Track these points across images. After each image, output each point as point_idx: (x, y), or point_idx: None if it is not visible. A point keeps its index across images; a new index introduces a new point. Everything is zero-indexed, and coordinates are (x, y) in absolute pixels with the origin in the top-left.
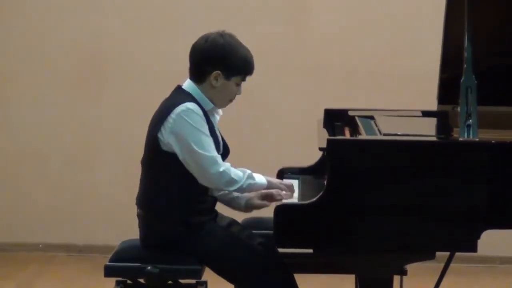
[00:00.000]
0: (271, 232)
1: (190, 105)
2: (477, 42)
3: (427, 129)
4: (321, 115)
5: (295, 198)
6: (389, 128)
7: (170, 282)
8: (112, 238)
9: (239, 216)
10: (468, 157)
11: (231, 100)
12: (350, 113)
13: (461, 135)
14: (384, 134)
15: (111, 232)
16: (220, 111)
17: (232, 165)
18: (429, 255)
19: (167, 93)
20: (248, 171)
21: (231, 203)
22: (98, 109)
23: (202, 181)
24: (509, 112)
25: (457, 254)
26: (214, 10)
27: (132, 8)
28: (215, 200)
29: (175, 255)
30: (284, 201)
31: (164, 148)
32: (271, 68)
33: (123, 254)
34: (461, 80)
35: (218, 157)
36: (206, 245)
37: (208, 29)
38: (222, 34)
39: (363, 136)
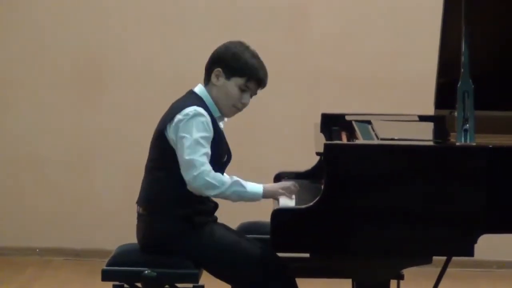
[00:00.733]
0: (268, 236)
1: (199, 108)
2: (474, 47)
3: (424, 134)
4: (318, 120)
5: (292, 202)
6: (386, 132)
7: (167, 286)
8: (109, 242)
9: (238, 220)
10: (465, 162)
11: (234, 106)
12: (347, 117)
13: (458, 140)
14: (381, 139)
15: (108, 236)
16: (225, 118)
17: (226, 172)
18: (426, 260)
19: (166, 97)
20: (236, 178)
21: None
22: (96, 113)
23: (187, 185)
24: (506, 116)
25: (454, 258)
26: (214, 15)
27: (132, 11)
28: (216, 205)
29: (172, 259)
30: (281, 204)
31: (170, 144)
32: (269, 72)
33: (120, 258)
34: (458, 85)
35: (198, 162)
36: (205, 246)
37: (207, 33)
38: (240, 42)
39: (360, 140)
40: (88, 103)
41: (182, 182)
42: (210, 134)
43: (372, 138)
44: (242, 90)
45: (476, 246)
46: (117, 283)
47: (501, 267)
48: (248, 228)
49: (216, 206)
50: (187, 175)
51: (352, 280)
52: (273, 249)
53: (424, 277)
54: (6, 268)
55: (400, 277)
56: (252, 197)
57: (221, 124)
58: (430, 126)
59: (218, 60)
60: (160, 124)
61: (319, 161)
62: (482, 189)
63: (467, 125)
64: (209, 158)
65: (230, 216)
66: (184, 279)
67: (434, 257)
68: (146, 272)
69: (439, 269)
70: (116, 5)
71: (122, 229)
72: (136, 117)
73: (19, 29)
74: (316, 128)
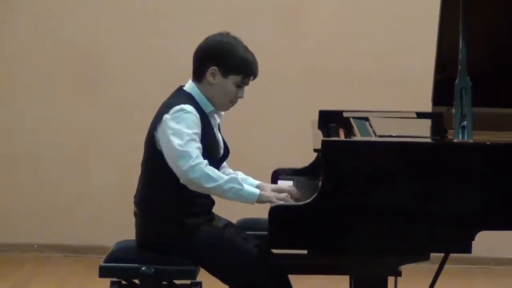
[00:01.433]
0: (265, 233)
1: (186, 106)
2: (472, 44)
3: (421, 131)
4: (316, 117)
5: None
6: (384, 129)
7: (165, 282)
8: (107, 238)
9: (234, 216)
10: (462, 159)
11: (231, 102)
12: (345, 114)
13: (456, 137)
14: (379, 136)
15: (106, 233)
16: (221, 112)
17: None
18: (423, 256)
19: (163, 95)
20: (236, 176)
21: None
22: (93, 110)
23: (179, 176)
24: (503, 113)
25: (451, 255)
26: (210, 13)
27: (129, 10)
28: (212, 202)
29: (170, 256)
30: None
31: (159, 147)
32: (266, 70)
33: (118, 254)
34: (456, 82)
35: (194, 153)
36: (201, 246)
37: (204, 31)
38: (223, 34)
39: (358, 137)
40: (85, 100)
41: (173, 184)
42: (198, 130)
43: (369, 135)
44: (238, 85)
45: (473, 243)
46: (114, 279)
47: (498, 264)
48: (246, 225)
49: (212, 202)
50: (183, 165)
51: (350, 277)
52: (271, 246)
53: (422, 273)
54: (4, 264)
55: (397, 274)
56: (247, 197)
57: (216, 118)
58: (427, 123)
59: (213, 58)
60: (151, 125)
61: (317, 158)
62: (479, 185)
63: (465, 122)
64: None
65: (227, 213)
66: (182, 275)
67: (432, 254)
68: (144, 268)
69: (436, 266)
70: (113, 2)
71: (119, 225)
72: (133, 114)
73: (15, 27)
74: (313, 125)
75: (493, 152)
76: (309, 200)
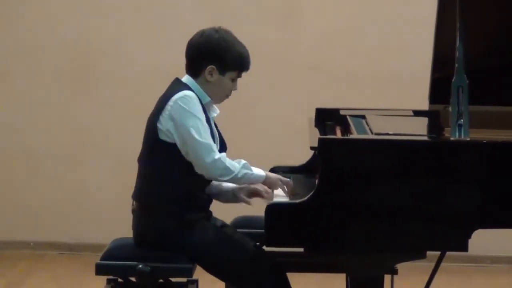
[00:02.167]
0: (262, 231)
1: (188, 92)
2: (469, 42)
3: (418, 129)
4: (312, 114)
5: (286, 197)
6: (381, 127)
7: (161, 280)
8: (103, 236)
9: (231, 214)
10: (459, 157)
11: (227, 96)
12: (342, 112)
13: (453, 135)
14: (376, 134)
15: (102, 230)
16: (217, 109)
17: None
18: (420, 255)
19: (158, 92)
20: (244, 161)
21: (220, 196)
22: (89, 108)
23: (198, 169)
24: (500, 111)
25: (448, 253)
26: (207, 12)
27: (124, 7)
28: (210, 199)
29: (166, 253)
30: (276, 200)
31: (163, 137)
32: (263, 68)
33: (114, 252)
34: (453, 80)
35: (214, 145)
36: (198, 241)
37: (201, 28)
38: (217, 30)
39: (355, 135)
40: (82, 98)
41: (173, 177)
42: (204, 115)
43: (366, 133)
44: (233, 80)
45: (470, 241)
46: (111, 277)
47: (495, 262)
48: (242, 223)
49: (210, 200)
50: (207, 159)
51: (346, 275)
52: (267, 244)
53: (418, 272)
54: None
55: (394, 272)
56: (256, 179)
57: (212, 112)
58: (424, 121)
59: (210, 57)
60: (151, 117)
61: (314, 156)
62: (476, 184)
63: (462, 120)
64: None
65: (223, 211)
66: (178, 273)
67: (428, 252)
68: (140, 266)
69: (433, 264)
70: (110, 2)
71: (116, 223)
72: (129, 111)
73: (12, 24)
74: (310, 122)
75: (490, 150)
76: (305, 198)
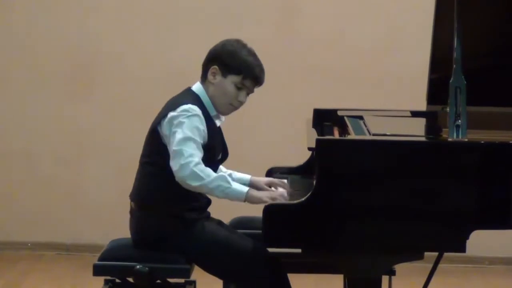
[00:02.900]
0: (260, 231)
1: (193, 106)
2: (467, 42)
3: (416, 130)
4: (310, 115)
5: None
6: (378, 128)
7: (159, 281)
8: (101, 237)
9: (229, 215)
10: (457, 158)
11: (231, 105)
12: (339, 113)
13: (450, 136)
14: (373, 134)
15: (100, 231)
16: (222, 117)
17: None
18: (417, 256)
19: (157, 94)
20: (224, 175)
21: None
22: (86, 109)
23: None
24: (498, 112)
25: (446, 254)
26: (206, 12)
27: (122, 9)
28: (208, 201)
29: (164, 254)
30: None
31: (163, 141)
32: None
33: (112, 253)
34: (450, 81)
35: (187, 152)
36: (197, 241)
37: (198, 31)
38: (237, 40)
39: (352, 136)
40: (79, 99)
41: (172, 178)
42: (202, 132)
43: (364, 134)
44: (239, 88)
45: (468, 242)
46: (108, 277)
47: (492, 263)
48: (240, 223)
49: (208, 202)
50: (174, 164)
51: (344, 276)
52: (265, 244)
53: (416, 273)
54: None
55: (392, 273)
56: (235, 196)
57: (217, 123)
58: (422, 121)
59: (215, 58)
60: (155, 119)
61: (311, 156)
62: (474, 185)
63: (459, 121)
64: (201, 153)
65: (222, 211)
66: (176, 274)
67: (426, 253)
68: (138, 267)
69: (431, 265)
70: (107, 2)
71: (113, 224)
72: (127, 113)
73: (10, 26)
74: (308, 123)
75: (488, 151)
76: (303, 199)
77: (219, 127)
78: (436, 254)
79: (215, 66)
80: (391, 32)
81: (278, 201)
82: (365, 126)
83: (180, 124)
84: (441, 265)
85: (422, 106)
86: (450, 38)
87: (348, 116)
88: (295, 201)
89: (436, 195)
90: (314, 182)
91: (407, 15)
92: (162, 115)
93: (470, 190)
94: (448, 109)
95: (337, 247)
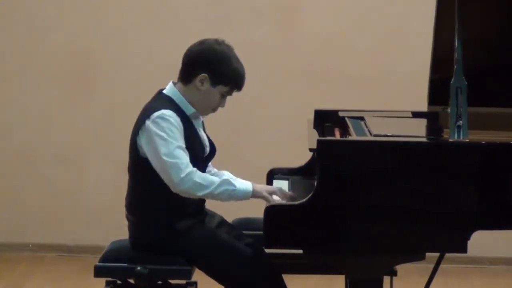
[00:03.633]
0: (261, 232)
1: (166, 111)
2: (468, 43)
3: (417, 130)
4: (311, 116)
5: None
6: (379, 129)
7: (160, 282)
8: (102, 238)
9: (229, 216)
10: (458, 158)
11: (213, 110)
12: (340, 114)
13: (451, 136)
14: (374, 135)
15: (101, 232)
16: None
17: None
18: (419, 256)
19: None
20: (226, 177)
21: None
22: (87, 109)
23: (172, 188)
24: (499, 113)
25: (447, 255)
26: (203, 13)
27: (123, 10)
28: (202, 201)
29: (165, 255)
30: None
31: (142, 154)
32: (261, 70)
33: (113, 254)
34: (451, 81)
35: (183, 164)
36: (194, 247)
37: (197, 31)
38: (219, 42)
39: (353, 137)
40: (79, 100)
41: (160, 188)
42: (181, 134)
43: (365, 135)
44: (223, 95)
45: (469, 242)
46: (109, 279)
47: (494, 263)
48: (241, 225)
49: (202, 201)
50: (174, 178)
51: (345, 277)
52: (266, 245)
53: (417, 273)
54: None
55: (393, 274)
56: (242, 195)
57: (200, 119)
58: (423, 122)
59: (205, 65)
60: (133, 131)
61: (312, 157)
62: (475, 185)
63: (460, 122)
64: (189, 157)
65: (223, 212)
66: (177, 275)
67: (427, 254)
68: (139, 268)
69: (432, 266)
70: (107, 3)
71: (114, 225)
72: (127, 114)
73: (9, 27)
74: (309, 124)
75: (489, 152)
76: (304, 200)
77: (202, 122)
78: (437, 254)
79: (205, 75)
80: (392, 33)
81: (277, 197)
82: (366, 127)
83: (159, 131)
84: (442, 266)
85: (423, 106)
86: (451, 38)
87: (349, 117)
88: (296, 202)
89: (437, 196)
90: (315, 183)
91: (407, 16)
92: (139, 126)
93: (471, 191)
94: (449, 110)
95: (338, 248)
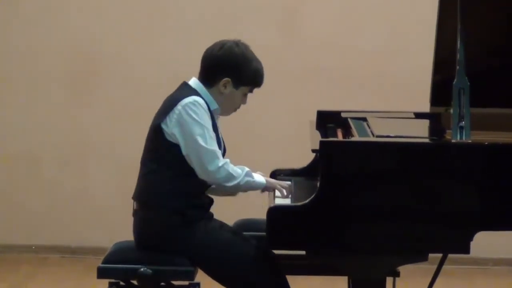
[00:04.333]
0: (264, 233)
1: (197, 98)
2: (470, 44)
3: (420, 131)
4: (313, 117)
5: (288, 200)
6: (382, 130)
7: (163, 283)
8: (105, 239)
9: (232, 217)
10: (461, 159)
11: (235, 109)
12: (343, 114)
13: (454, 137)
14: (377, 136)
15: (104, 233)
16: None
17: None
18: (421, 257)
19: (160, 95)
20: (247, 169)
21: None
22: (90, 111)
23: (201, 175)
24: (502, 113)
25: (450, 255)
26: (207, 13)
27: (125, 11)
28: (211, 201)
29: (168, 256)
30: (277, 202)
31: (168, 138)
32: (264, 70)
33: (116, 255)
34: (454, 82)
35: (219, 152)
36: (199, 242)
37: (200, 34)
38: (238, 44)
39: (356, 137)
40: (82, 100)
41: (176, 174)
42: (211, 122)
43: (367, 135)
44: (245, 94)
45: (472, 243)
46: (112, 280)
47: (497, 264)
48: (244, 225)
49: (211, 202)
50: (210, 166)
51: (348, 278)
52: (269, 246)
53: (420, 274)
54: (1, 265)
55: (396, 274)
56: (258, 186)
57: (218, 116)
58: (425, 123)
59: (228, 70)
60: (157, 117)
61: (315, 158)
62: (478, 186)
63: (463, 122)
64: None
65: (225, 213)
66: (180, 276)
67: (430, 254)
68: (142, 269)
69: (435, 267)
70: (110, 3)
71: (117, 226)
72: (130, 114)
73: (12, 28)
74: (311, 125)
75: (491, 153)
76: (307, 201)
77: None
78: (440, 255)
79: (228, 79)
80: (394, 34)
81: (286, 190)
82: (369, 127)
83: (193, 117)
84: (445, 267)
85: (425, 107)
86: (453, 39)
87: (351, 118)
88: (299, 203)
89: (440, 197)
90: (318, 184)
91: (410, 17)
92: (167, 111)
93: (474, 191)
94: (451, 111)
95: (341, 249)
